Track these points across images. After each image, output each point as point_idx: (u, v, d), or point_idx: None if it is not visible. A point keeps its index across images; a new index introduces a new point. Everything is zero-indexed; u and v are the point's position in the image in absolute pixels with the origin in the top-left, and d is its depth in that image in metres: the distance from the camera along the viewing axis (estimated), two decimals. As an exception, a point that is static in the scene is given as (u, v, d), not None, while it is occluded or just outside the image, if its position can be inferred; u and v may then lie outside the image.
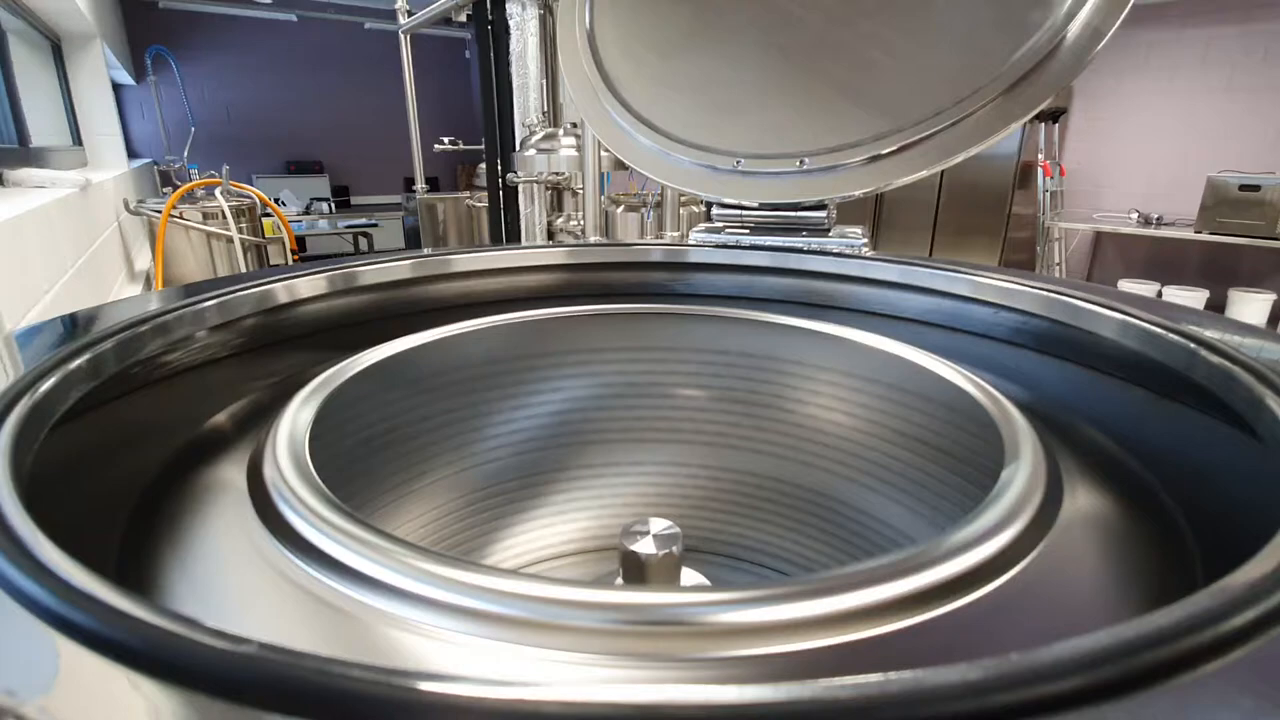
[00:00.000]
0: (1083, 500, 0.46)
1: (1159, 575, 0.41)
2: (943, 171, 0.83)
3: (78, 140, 3.54)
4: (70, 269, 1.67)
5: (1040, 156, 5.14)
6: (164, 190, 3.75)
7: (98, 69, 3.57)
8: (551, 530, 0.89)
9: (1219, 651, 0.22)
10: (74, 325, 0.57)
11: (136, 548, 0.42)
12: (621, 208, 2.51)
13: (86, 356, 0.48)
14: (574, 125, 2.32)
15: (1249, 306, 4.36)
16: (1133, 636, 0.22)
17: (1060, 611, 0.36)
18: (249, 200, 3.14)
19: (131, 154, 4.74)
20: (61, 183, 1.92)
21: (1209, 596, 0.24)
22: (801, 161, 0.91)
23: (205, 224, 2.88)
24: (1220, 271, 4.79)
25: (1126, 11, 0.73)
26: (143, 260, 3.05)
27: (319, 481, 0.42)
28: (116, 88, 4.33)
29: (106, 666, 0.22)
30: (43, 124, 3.00)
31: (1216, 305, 4.57)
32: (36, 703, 0.20)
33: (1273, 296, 4.34)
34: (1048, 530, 0.40)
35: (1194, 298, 4.54)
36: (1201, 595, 0.25)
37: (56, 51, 3.41)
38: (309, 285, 0.77)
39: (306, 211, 6.66)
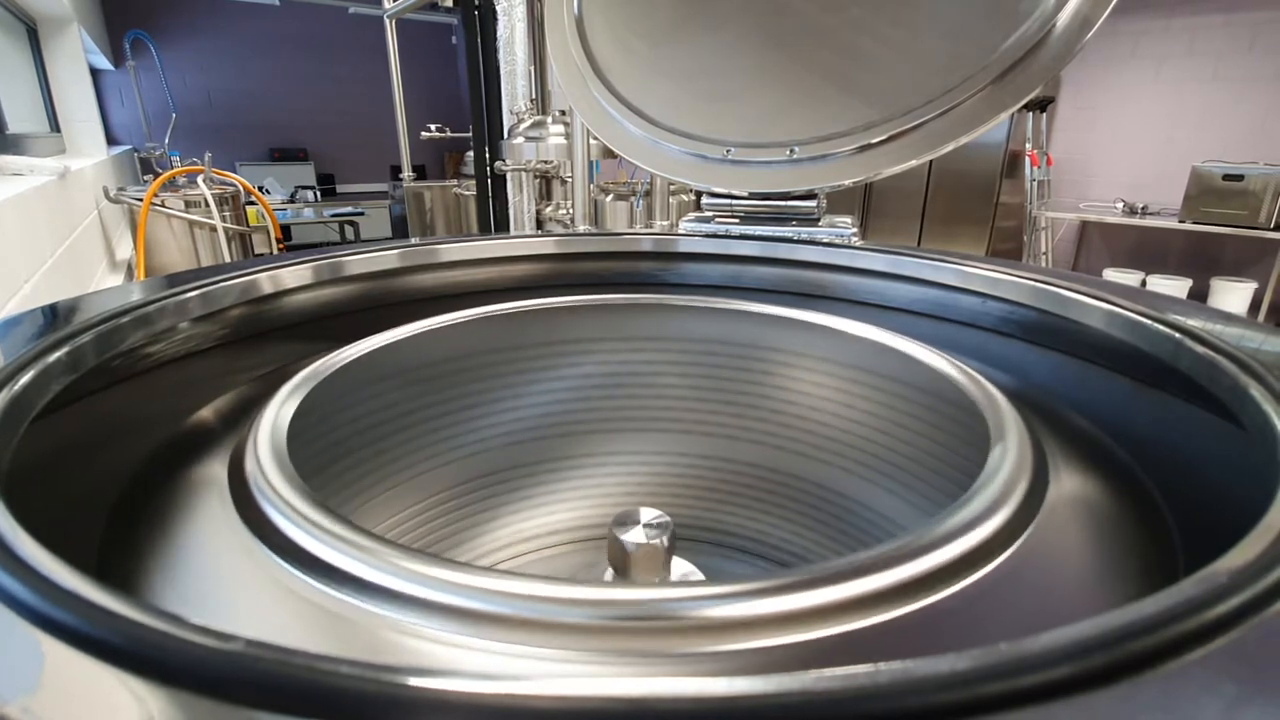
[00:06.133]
0: (1068, 488, 0.46)
1: (1143, 563, 0.41)
2: (931, 161, 0.83)
3: (55, 127, 3.47)
4: (49, 259, 1.64)
5: (1028, 146, 5.15)
6: (145, 178, 3.68)
7: (75, 54, 3.49)
8: (542, 521, 0.89)
9: (1203, 639, 0.22)
10: (54, 316, 0.56)
11: (118, 544, 0.42)
12: (611, 196, 2.49)
13: (66, 349, 0.47)
14: (563, 113, 2.30)
15: (1231, 295, 4.41)
16: (1119, 625, 0.22)
17: (1046, 599, 0.36)
18: (232, 188, 3.09)
19: (111, 141, 4.66)
20: (39, 170, 1.88)
21: (1193, 585, 0.25)
22: (791, 151, 0.90)
23: (188, 212, 2.83)
24: (1203, 260, 4.85)
25: (1115, 0, 0.73)
26: (124, 249, 3.01)
27: (299, 478, 0.42)
28: (95, 73, 4.24)
29: (90, 665, 0.21)
30: (19, 110, 2.93)
31: (1199, 294, 4.62)
32: (19, 702, 0.20)
33: (1254, 285, 4.40)
34: (1033, 518, 0.40)
35: (1177, 286, 4.59)
36: (1186, 583, 0.25)
37: (32, 35, 3.33)
38: (294, 275, 0.76)
39: (291, 200, 6.57)
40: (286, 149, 7.40)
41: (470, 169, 3.33)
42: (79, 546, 0.41)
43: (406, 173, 3.71)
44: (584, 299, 0.84)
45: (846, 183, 0.88)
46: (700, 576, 0.70)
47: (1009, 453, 0.45)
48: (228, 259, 2.92)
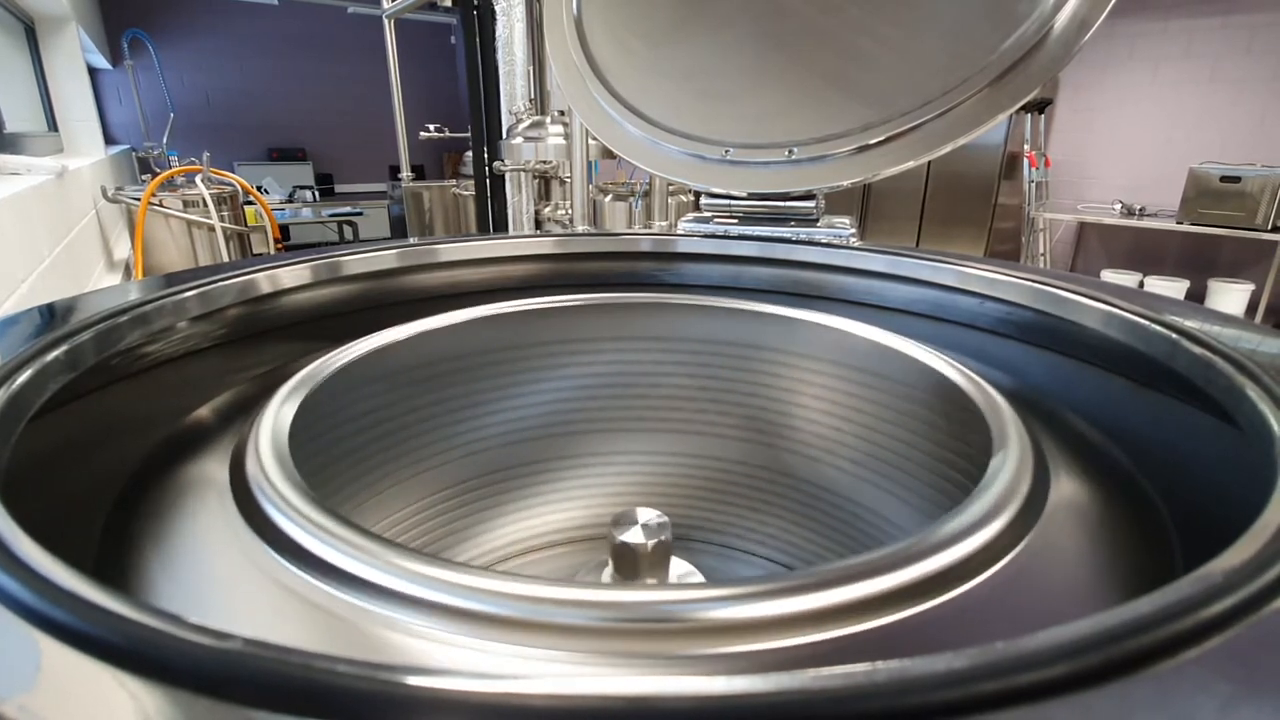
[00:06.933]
0: (1067, 489, 0.47)
1: (1141, 562, 0.41)
2: (930, 162, 0.83)
3: (53, 126, 3.46)
4: (47, 258, 1.64)
5: (1026, 147, 5.17)
6: (143, 177, 3.67)
7: (73, 53, 3.49)
8: (540, 521, 0.89)
9: (1199, 638, 0.23)
10: (51, 316, 0.56)
11: (117, 543, 0.42)
12: (609, 197, 2.49)
13: (64, 348, 0.47)
14: (561, 113, 2.30)
15: (1228, 296, 4.42)
16: (1115, 625, 0.22)
17: (1047, 602, 0.36)
18: (230, 188, 3.08)
19: (109, 140, 4.65)
20: (37, 170, 1.88)
21: (1189, 584, 0.25)
22: (790, 151, 0.90)
23: (186, 212, 2.83)
24: (1201, 262, 4.86)
25: (1113, 2, 0.73)
26: (122, 249, 3.00)
27: (300, 478, 0.42)
28: (93, 72, 4.23)
29: (88, 664, 0.21)
30: (17, 109, 2.92)
31: (1196, 295, 4.63)
32: (16, 701, 0.20)
33: (1251, 286, 4.41)
34: (1035, 520, 0.40)
35: (1175, 288, 4.60)
36: (1182, 583, 0.25)
37: (30, 34, 3.32)
38: (292, 275, 0.76)
39: (290, 199, 6.57)
40: (285, 149, 7.39)
41: (469, 169, 3.32)
42: (77, 545, 0.41)
43: (405, 173, 3.71)
44: (582, 299, 0.84)
45: (845, 183, 0.88)
46: (699, 577, 0.70)
47: (1010, 456, 0.45)
48: (226, 259, 2.92)
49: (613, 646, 0.30)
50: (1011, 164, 5.20)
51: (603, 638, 0.31)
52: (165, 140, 3.90)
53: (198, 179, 2.91)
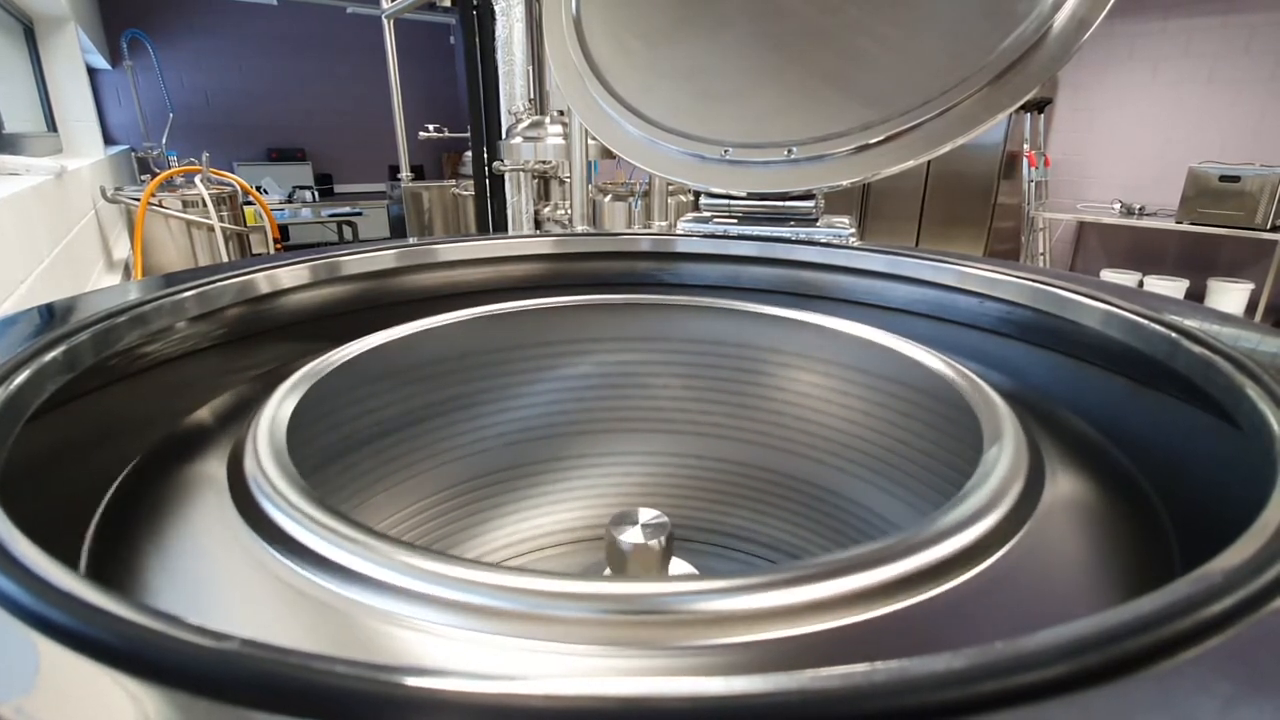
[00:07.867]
0: (1064, 488, 0.46)
1: (1139, 562, 0.41)
2: (929, 161, 0.83)
3: (52, 126, 3.46)
4: (46, 258, 1.63)
5: (1025, 147, 5.17)
6: (142, 178, 3.67)
7: (72, 53, 3.48)
8: (539, 521, 0.89)
9: (1199, 638, 0.22)
10: (50, 316, 0.56)
11: (115, 543, 0.42)
12: (609, 197, 2.49)
13: (63, 348, 0.47)
14: (561, 113, 2.30)
15: (1227, 296, 4.43)
16: (1115, 624, 0.22)
17: (1041, 597, 0.36)
18: (230, 188, 3.08)
19: (108, 140, 4.65)
20: (36, 170, 1.88)
21: (1189, 584, 0.25)
22: (789, 151, 0.90)
23: (185, 212, 2.82)
24: (1200, 261, 4.86)
25: (1112, 2, 0.73)
26: (121, 249, 3.00)
27: (299, 476, 0.41)
28: (92, 72, 4.23)
29: (86, 665, 0.21)
30: (16, 110, 2.92)
31: (1196, 295, 4.63)
32: (13, 703, 0.20)
33: (1250, 286, 4.41)
34: (1029, 516, 0.40)
35: (1174, 287, 4.60)
36: (1181, 583, 0.25)
37: (29, 35, 3.32)
38: (291, 275, 0.76)
39: (289, 200, 6.57)
40: (284, 149, 7.39)
41: (468, 169, 3.32)
42: (75, 546, 0.41)
43: (405, 173, 3.71)
44: (582, 299, 0.84)
45: (844, 183, 0.88)
46: (698, 576, 0.70)
47: (1004, 452, 0.45)
48: (225, 259, 2.92)
49: (610, 638, 0.31)
50: (1011, 163, 5.20)
51: (600, 630, 0.31)
52: (164, 140, 3.89)
53: (197, 179, 2.91)
